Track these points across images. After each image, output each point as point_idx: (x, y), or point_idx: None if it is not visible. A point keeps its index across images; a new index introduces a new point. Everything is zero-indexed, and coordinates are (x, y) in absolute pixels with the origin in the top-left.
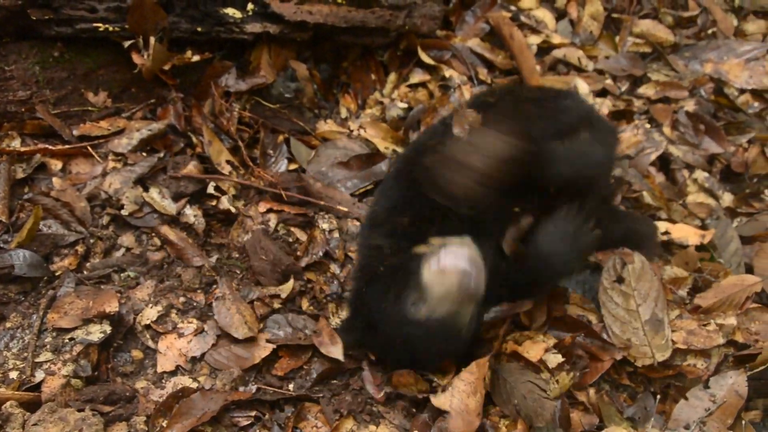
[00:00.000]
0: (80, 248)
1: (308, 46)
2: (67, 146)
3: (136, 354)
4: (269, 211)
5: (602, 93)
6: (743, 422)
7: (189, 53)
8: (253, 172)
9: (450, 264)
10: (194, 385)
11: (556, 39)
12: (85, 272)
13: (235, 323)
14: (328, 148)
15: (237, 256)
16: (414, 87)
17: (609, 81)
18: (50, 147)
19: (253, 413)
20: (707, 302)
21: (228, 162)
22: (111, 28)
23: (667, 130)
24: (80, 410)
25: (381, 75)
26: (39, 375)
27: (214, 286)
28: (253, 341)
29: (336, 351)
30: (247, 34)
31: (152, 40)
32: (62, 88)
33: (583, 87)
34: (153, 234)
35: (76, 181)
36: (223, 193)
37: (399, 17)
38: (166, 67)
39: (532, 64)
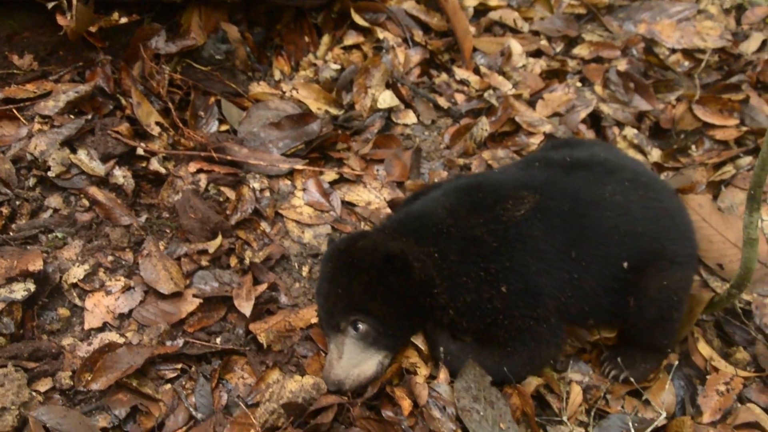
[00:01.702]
0: (5, 210)
1: (240, 9)
2: None
3: (63, 312)
4: (199, 171)
5: (537, 54)
6: None
7: (116, 15)
8: (183, 133)
9: None
10: (121, 341)
11: (492, 1)
12: (11, 233)
13: (161, 279)
14: (259, 109)
15: (167, 215)
16: (348, 49)
17: (544, 42)
18: None
19: (180, 366)
20: None
21: (158, 123)
22: None
23: (598, 88)
24: (2, 366)
25: (314, 37)
26: None
27: (143, 245)
28: (180, 296)
29: (247, 307)
30: None
31: (74, 1)
32: None
33: (516, 48)
34: (81, 195)
35: (1, 144)
36: (153, 154)
37: None
38: (94, 30)
39: (466, 26)
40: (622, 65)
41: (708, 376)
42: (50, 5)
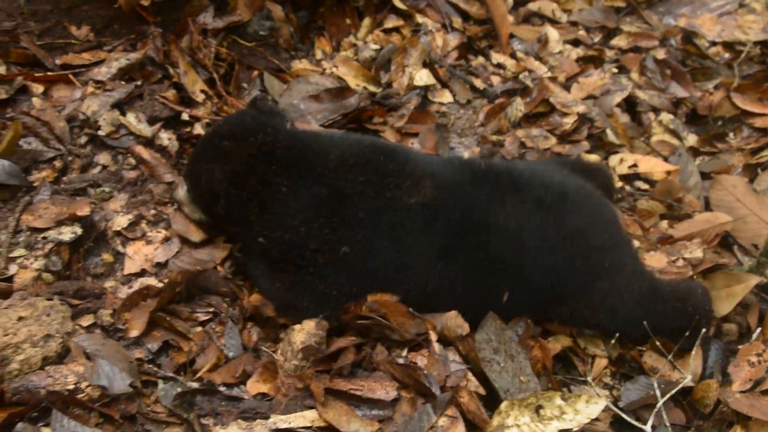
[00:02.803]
0: (58, 163)
1: None
2: (49, 73)
3: (107, 257)
4: None
5: (574, 43)
6: None
7: None
8: (227, 101)
9: None
10: (159, 285)
11: None
12: (61, 185)
13: (191, 229)
14: (300, 82)
15: None
16: (388, 32)
17: (582, 32)
18: (32, 73)
19: (212, 310)
20: (680, 233)
21: (202, 91)
22: None
23: (635, 75)
24: (49, 299)
25: (356, 20)
26: (12, 269)
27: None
28: (211, 243)
29: None
30: None
31: None
32: (46, 20)
33: (553, 35)
34: (128, 154)
35: (57, 104)
36: (197, 119)
37: None
38: (146, 4)
39: (503, 11)
40: (660, 54)
41: (740, 347)
42: None
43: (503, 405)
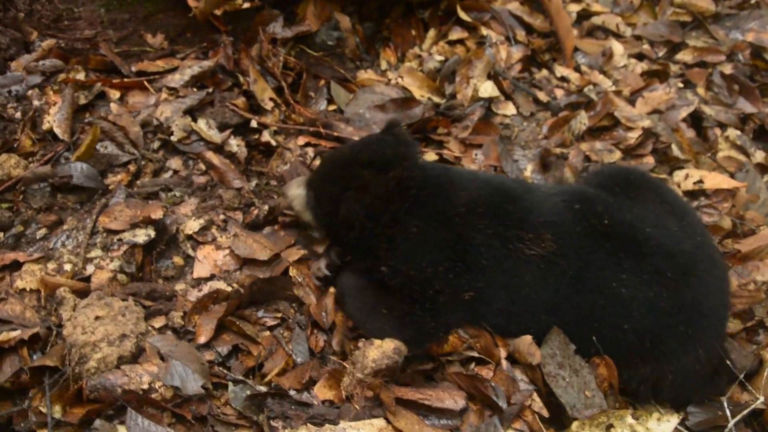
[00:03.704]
0: (132, 167)
1: (353, 2)
2: (125, 80)
3: (177, 260)
4: (307, 144)
5: (639, 57)
6: None
7: (240, 0)
8: (294, 109)
9: None
10: (228, 289)
11: (596, 7)
12: (135, 189)
13: (256, 251)
14: (366, 92)
15: (275, 183)
16: (452, 44)
17: (646, 46)
18: (110, 79)
19: (279, 315)
20: (747, 248)
21: (271, 100)
22: None
23: (701, 90)
24: (124, 300)
25: (421, 32)
26: (89, 269)
27: (253, 206)
28: (278, 259)
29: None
30: None
31: None
32: (124, 29)
33: (618, 49)
34: (198, 159)
35: (132, 109)
36: (265, 127)
37: None
38: (219, 13)
39: (568, 24)
40: (727, 69)
41: None
42: None
43: (574, 425)
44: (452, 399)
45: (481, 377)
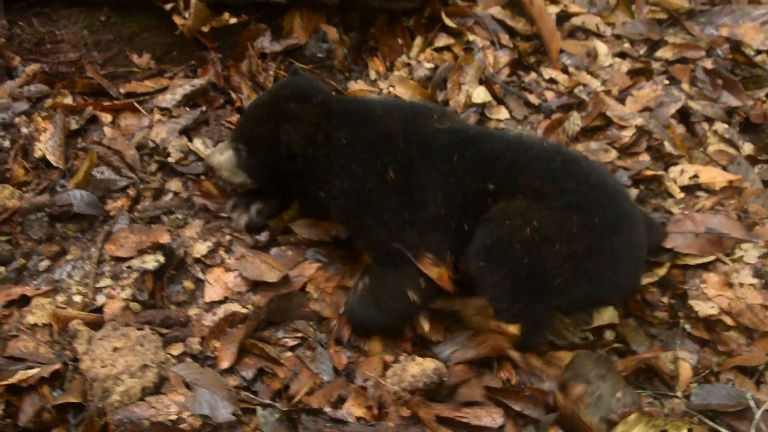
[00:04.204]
0: (131, 192)
1: (337, 12)
2: (115, 102)
3: (188, 285)
4: None
5: (621, 55)
6: None
7: (227, 16)
8: None
9: None
10: (244, 311)
11: (573, 8)
12: (136, 213)
13: (264, 271)
14: None
15: None
16: (439, 50)
17: (627, 45)
18: (101, 102)
19: (300, 334)
20: None
21: None
22: None
23: (685, 86)
24: (140, 329)
25: (407, 39)
26: (100, 299)
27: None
28: (288, 281)
29: None
30: None
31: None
32: (109, 50)
33: (602, 49)
34: (198, 180)
35: (125, 132)
36: None
37: None
38: (206, 29)
39: (552, 27)
40: (708, 64)
41: None
42: (168, 6)
43: (632, 417)
44: (490, 416)
45: (515, 388)
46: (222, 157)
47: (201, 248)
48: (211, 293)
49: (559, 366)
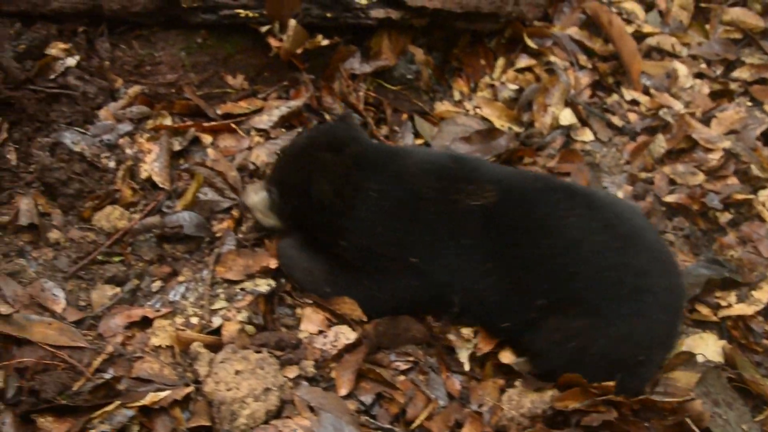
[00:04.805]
0: (235, 213)
1: (423, 33)
2: (214, 123)
3: (298, 310)
4: None
5: (699, 76)
6: None
7: (320, 38)
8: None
9: None
10: (353, 332)
11: (647, 28)
12: (241, 235)
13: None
14: (449, 124)
15: None
16: (521, 71)
17: (703, 65)
18: (202, 123)
19: (412, 358)
20: None
21: None
22: (250, 14)
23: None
24: (257, 351)
25: (490, 60)
26: (216, 321)
27: None
28: None
29: None
30: (371, 19)
31: (292, 21)
32: (205, 71)
33: (682, 70)
34: None
35: (225, 153)
36: None
37: (508, 3)
38: (298, 51)
39: (633, 48)
40: None
41: None
42: (263, 29)
43: None
44: None
45: (634, 420)
46: (257, 197)
47: None
48: (307, 325)
49: (677, 386)
